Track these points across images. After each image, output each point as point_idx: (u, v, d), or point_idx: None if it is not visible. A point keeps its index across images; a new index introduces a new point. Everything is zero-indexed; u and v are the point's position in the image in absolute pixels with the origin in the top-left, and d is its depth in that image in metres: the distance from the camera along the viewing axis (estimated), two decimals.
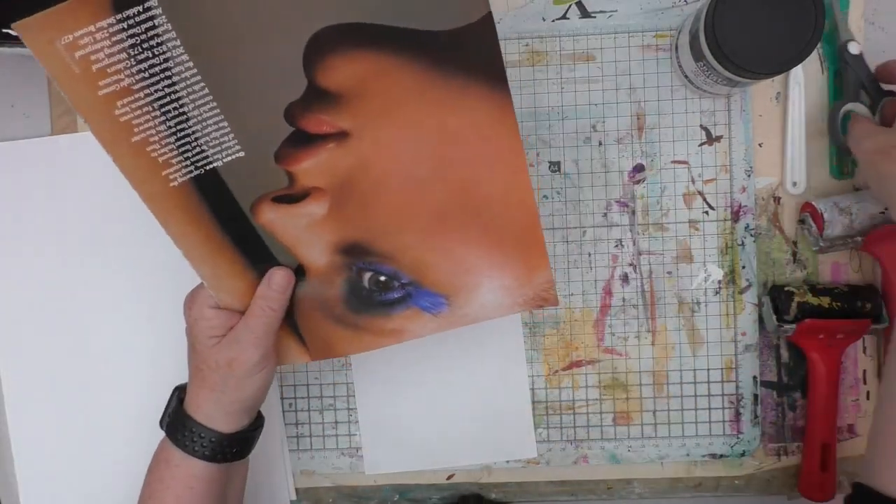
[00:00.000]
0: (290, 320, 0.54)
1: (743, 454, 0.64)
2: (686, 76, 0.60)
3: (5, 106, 0.65)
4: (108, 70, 0.42)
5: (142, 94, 0.44)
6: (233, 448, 0.52)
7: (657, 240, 0.63)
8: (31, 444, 0.65)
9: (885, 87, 0.59)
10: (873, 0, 0.62)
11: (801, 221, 0.62)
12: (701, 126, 0.63)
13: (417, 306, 0.53)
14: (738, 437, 0.64)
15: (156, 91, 0.44)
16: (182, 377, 0.66)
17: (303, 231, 0.51)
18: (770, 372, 0.64)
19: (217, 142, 0.46)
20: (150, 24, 0.42)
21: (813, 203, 0.61)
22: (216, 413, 0.51)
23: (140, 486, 0.61)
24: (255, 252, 0.51)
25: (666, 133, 0.63)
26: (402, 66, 0.45)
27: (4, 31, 0.55)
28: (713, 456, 0.64)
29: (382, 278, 0.52)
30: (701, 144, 0.63)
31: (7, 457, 0.65)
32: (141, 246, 0.64)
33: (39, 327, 0.64)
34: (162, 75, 0.43)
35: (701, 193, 0.63)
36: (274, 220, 0.50)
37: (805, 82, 0.62)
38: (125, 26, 0.41)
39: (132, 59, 0.42)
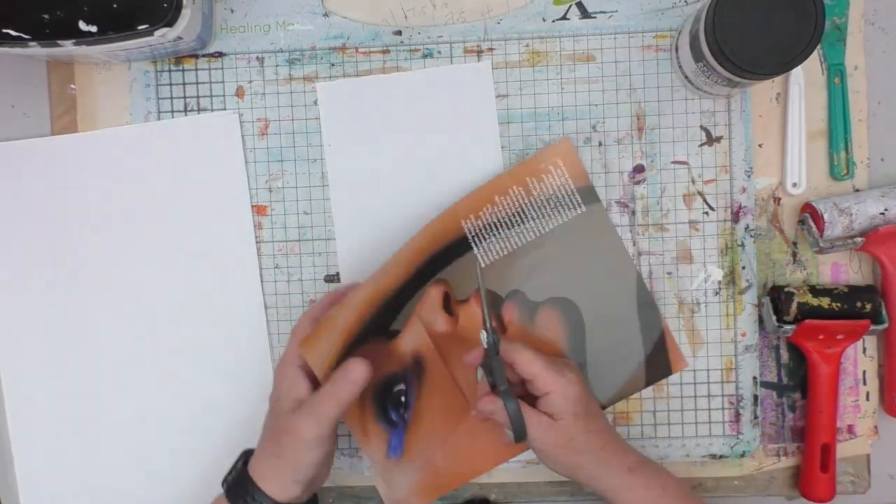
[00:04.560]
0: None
1: (743, 455, 0.64)
2: (686, 76, 0.60)
3: (5, 106, 0.65)
4: None
5: None
6: None
7: (657, 240, 0.63)
8: (31, 444, 0.65)
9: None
10: (873, 0, 0.63)
11: (801, 222, 0.62)
12: (701, 126, 0.63)
13: None
14: (737, 438, 0.64)
15: None
16: (179, 379, 0.66)
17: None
18: (770, 372, 0.64)
19: None
20: None
21: (813, 203, 0.61)
22: (277, 479, 0.54)
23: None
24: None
25: (666, 133, 0.63)
26: None
27: (4, 31, 0.55)
28: (713, 456, 0.64)
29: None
30: (701, 145, 0.63)
31: (7, 457, 0.65)
32: (141, 246, 0.64)
33: (39, 327, 0.64)
34: None
35: (701, 194, 0.63)
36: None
37: (805, 83, 0.62)
38: None
39: None
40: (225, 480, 0.57)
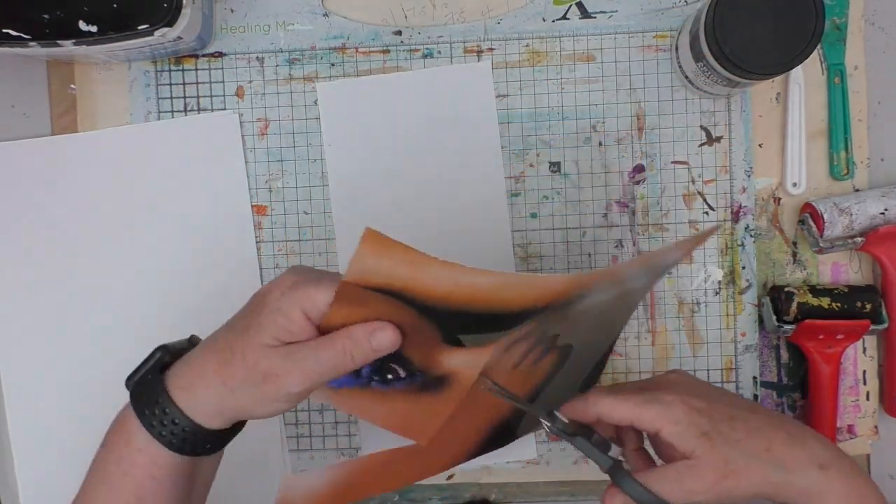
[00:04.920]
0: None
1: None
2: (686, 76, 0.60)
3: (5, 106, 0.65)
4: None
5: None
6: (206, 444, 0.44)
7: (657, 240, 0.63)
8: (30, 443, 0.65)
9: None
10: (873, 0, 0.63)
11: (801, 222, 0.62)
12: (701, 126, 0.63)
13: None
14: None
15: None
16: None
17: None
18: (770, 372, 0.64)
19: None
20: None
21: (813, 203, 0.61)
22: (208, 404, 0.42)
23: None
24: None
25: (666, 133, 0.63)
26: None
27: (4, 31, 0.55)
28: None
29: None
30: (701, 145, 0.63)
31: (7, 456, 0.65)
32: (140, 246, 0.64)
33: (39, 327, 0.64)
34: None
35: (701, 194, 0.63)
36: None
37: (805, 83, 0.62)
38: None
39: None
40: (129, 379, 0.46)
